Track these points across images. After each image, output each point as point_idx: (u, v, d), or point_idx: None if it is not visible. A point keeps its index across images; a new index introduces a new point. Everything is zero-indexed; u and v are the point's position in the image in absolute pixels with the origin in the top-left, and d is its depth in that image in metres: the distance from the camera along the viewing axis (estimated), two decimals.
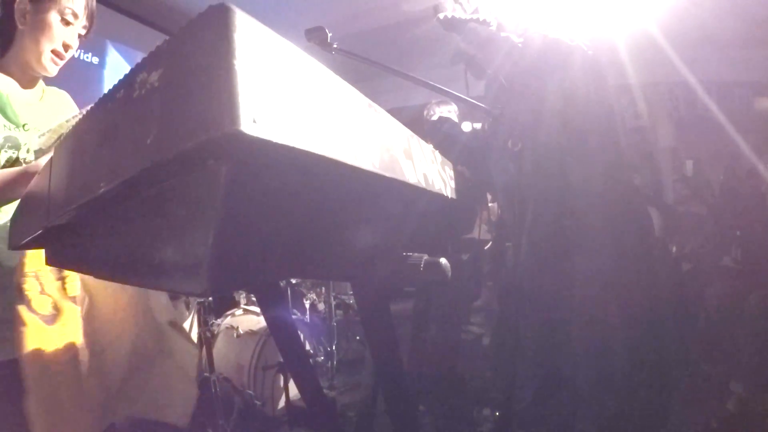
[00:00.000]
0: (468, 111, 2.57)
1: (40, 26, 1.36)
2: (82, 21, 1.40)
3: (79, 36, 1.42)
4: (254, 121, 0.36)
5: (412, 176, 0.69)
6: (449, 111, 3.13)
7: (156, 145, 0.41)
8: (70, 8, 1.36)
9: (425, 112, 3.18)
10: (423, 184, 0.74)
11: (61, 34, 1.37)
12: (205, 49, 0.39)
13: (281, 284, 3.20)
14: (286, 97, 0.42)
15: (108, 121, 0.52)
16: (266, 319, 1.16)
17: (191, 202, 0.45)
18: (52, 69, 1.42)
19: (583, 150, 1.67)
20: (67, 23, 1.37)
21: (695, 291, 3.63)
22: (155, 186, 0.48)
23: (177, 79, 0.42)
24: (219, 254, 0.42)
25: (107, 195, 0.50)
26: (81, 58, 4.37)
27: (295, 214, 0.54)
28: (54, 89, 1.54)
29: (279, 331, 1.29)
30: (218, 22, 0.39)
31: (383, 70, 1.59)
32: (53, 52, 1.38)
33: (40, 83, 1.48)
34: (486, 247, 2.82)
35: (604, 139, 1.66)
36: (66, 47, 1.39)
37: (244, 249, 0.47)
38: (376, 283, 0.99)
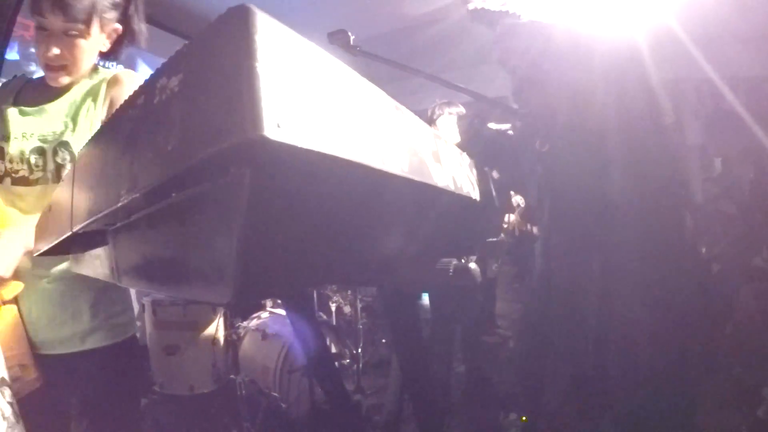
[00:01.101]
0: (492, 111, 2.54)
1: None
2: (58, 21, 1.26)
3: (73, 36, 1.30)
4: (278, 126, 0.34)
5: (441, 179, 0.67)
6: (458, 113, 3.10)
7: (177, 152, 0.39)
8: (37, 12, 1.25)
9: (429, 112, 3.16)
10: (452, 187, 0.72)
11: (40, 43, 1.30)
12: (226, 52, 0.38)
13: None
14: (311, 100, 0.40)
15: (129, 129, 0.51)
16: (292, 322, 1.15)
17: (214, 210, 0.43)
18: (51, 80, 1.38)
19: (602, 150, 1.63)
20: (43, 29, 1.28)
21: (725, 292, 3.55)
22: (177, 195, 0.47)
23: (197, 83, 0.40)
24: (244, 263, 0.41)
25: (129, 205, 0.49)
26: (106, 66, 4.40)
27: (322, 219, 0.52)
28: (96, 85, 1.45)
29: (304, 334, 1.28)
30: (238, 24, 0.37)
31: (408, 72, 1.58)
32: (44, 65, 1.35)
33: (74, 89, 1.43)
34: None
35: (624, 138, 1.62)
36: (44, 56, 1.31)
37: (270, 257, 0.46)
38: (404, 287, 0.97)
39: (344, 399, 1.36)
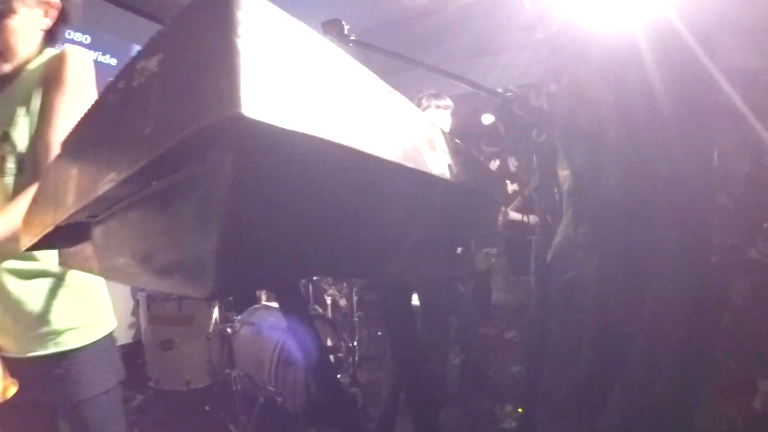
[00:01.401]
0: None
1: None
2: None
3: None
4: (259, 104, 0.31)
5: (436, 167, 0.65)
6: (446, 106, 3.06)
7: (154, 136, 0.37)
8: None
9: (415, 102, 3.12)
10: (447, 176, 0.70)
11: None
12: (206, 29, 0.35)
13: (301, 281, 3.18)
14: (296, 79, 0.38)
15: (109, 115, 0.49)
16: (285, 315, 1.13)
17: (194, 198, 0.41)
18: None
19: (597, 146, 1.62)
20: None
21: (721, 285, 3.55)
22: (157, 182, 0.45)
23: (176, 62, 0.38)
24: (225, 254, 0.39)
25: (109, 194, 0.47)
26: (98, 60, 4.38)
27: (310, 209, 0.50)
28: (35, 69, 1.37)
29: (298, 327, 1.26)
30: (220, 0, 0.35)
31: (404, 62, 1.55)
32: None
33: (19, 78, 1.36)
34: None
35: (622, 134, 1.60)
36: None
37: (253, 247, 0.43)
38: (399, 279, 0.96)
39: (340, 392, 1.34)
